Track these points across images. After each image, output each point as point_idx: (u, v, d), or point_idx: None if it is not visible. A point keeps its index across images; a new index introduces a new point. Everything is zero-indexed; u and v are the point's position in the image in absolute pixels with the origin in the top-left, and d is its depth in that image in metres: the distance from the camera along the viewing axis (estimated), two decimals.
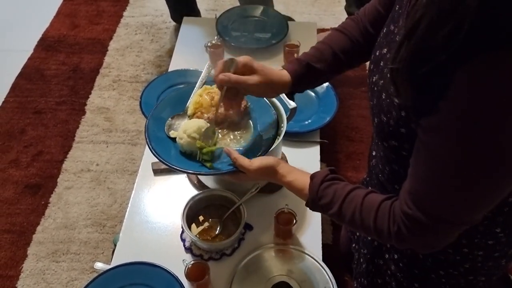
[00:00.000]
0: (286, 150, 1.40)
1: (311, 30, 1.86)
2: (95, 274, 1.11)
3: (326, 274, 1.12)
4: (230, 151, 0.95)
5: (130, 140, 2.07)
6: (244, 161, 0.93)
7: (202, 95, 1.09)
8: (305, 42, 1.69)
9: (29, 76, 2.39)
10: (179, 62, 1.72)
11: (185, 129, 1.01)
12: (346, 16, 2.37)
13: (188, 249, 1.19)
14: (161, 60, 2.44)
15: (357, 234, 1.24)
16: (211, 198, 1.23)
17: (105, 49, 2.53)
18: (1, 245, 1.70)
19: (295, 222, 1.15)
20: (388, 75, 0.70)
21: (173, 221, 1.25)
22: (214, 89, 1.08)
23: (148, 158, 1.40)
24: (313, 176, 0.88)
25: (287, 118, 1.22)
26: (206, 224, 1.21)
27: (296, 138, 1.44)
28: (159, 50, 2.50)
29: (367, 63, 0.93)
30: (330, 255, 1.17)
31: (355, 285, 1.19)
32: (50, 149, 2.04)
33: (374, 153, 1.01)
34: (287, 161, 1.37)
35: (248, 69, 0.93)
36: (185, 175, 1.35)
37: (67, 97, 2.28)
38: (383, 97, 0.80)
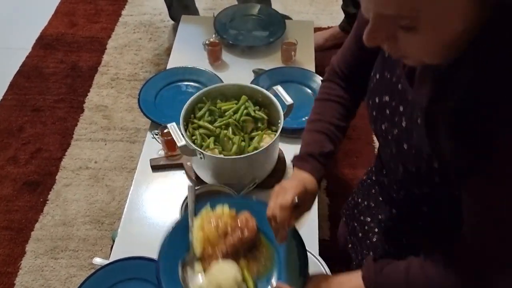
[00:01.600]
0: (284, 147, 1.41)
1: (308, 28, 1.87)
2: (94, 271, 1.12)
3: (323, 268, 1.13)
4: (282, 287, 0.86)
5: (129, 137, 2.08)
6: None
7: (203, 227, 0.91)
8: (302, 41, 1.71)
9: (27, 74, 2.40)
10: (177, 60, 1.73)
11: (218, 284, 0.86)
12: (343, 15, 2.38)
13: None
14: (159, 59, 2.45)
15: (355, 238, 1.20)
16: (208, 193, 1.24)
17: (103, 47, 2.54)
18: (0, 242, 1.70)
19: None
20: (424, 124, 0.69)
21: (172, 217, 1.25)
22: (214, 213, 0.94)
23: (147, 154, 1.41)
24: (363, 275, 0.84)
25: (284, 114, 1.23)
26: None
27: (294, 134, 1.45)
28: (157, 48, 2.51)
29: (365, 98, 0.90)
30: (327, 250, 1.18)
31: None
32: (49, 147, 2.04)
33: (385, 172, 0.97)
34: (285, 159, 1.37)
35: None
36: (183, 171, 1.36)
37: (66, 95, 2.29)
38: (405, 147, 0.77)
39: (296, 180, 0.89)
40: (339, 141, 0.96)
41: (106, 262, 1.14)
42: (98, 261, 1.16)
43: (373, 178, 1.10)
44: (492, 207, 0.66)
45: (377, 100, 0.83)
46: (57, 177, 1.92)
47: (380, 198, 1.03)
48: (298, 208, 0.88)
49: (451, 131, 0.66)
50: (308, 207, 0.92)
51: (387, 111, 0.81)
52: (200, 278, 0.89)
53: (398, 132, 0.79)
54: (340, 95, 0.97)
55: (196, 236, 0.91)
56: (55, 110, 2.22)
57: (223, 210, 0.95)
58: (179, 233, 0.93)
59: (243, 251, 0.91)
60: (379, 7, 0.57)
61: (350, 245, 1.22)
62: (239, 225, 0.90)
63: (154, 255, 1.13)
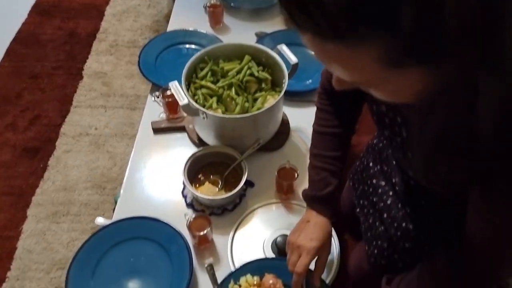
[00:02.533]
0: (287, 110, 1.38)
1: None
2: (96, 230, 1.11)
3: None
4: None
5: (129, 104, 2.05)
6: None
7: None
8: None
9: (24, 40, 2.35)
10: (177, 22, 1.69)
11: None
12: None
13: (190, 205, 1.19)
14: (158, 25, 2.40)
15: (365, 202, 1.20)
16: (212, 155, 1.23)
17: (101, 14, 2.48)
18: (0, 207, 1.70)
19: (297, 176, 1.15)
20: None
21: (174, 178, 1.24)
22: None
23: (148, 117, 1.39)
24: None
25: (288, 74, 1.20)
26: (208, 180, 1.20)
27: (298, 97, 1.42)
28: (157, 15, 2.46)
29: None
30: None
31: (368, 248, 1.15)
32: (48, 113, 2.02)
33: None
34: (288, 122, 1.35)
35: None
36: (185, 133, 1.34)
37: (64, 61, 2.25)
38: (409, 155, 0.78)
39: (313, 228, 0.95)
40: (341, 171, 1.00)
41: (109, 222, 1.13)
42: (101, 221, 1.15)
43: (384, 142, 1.08)
44: (490, 220, 0.66)
45: (375, 108, 0.83)
46: (57, 143, 1.90)
47: (394, 162, 1.01)
48: (321, 257, 0.96)
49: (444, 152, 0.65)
50: (328, 253, 0.98)
51: (386, 120, 0.80)
52: None
53: (401, 140, 0.79)
54: (332, 124, 0.99)
55: None
56: (54, 77, 2.18)
57: (247, 280, 0.98)
58: None
59: None
60: (335, 71, 0.56)
61: (358, 209, 1.20)
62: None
63: (157, 216, 1.13)
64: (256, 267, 0.99)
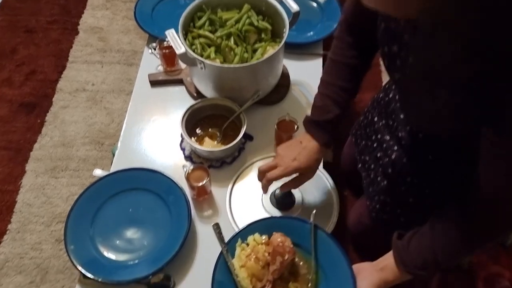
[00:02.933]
0: (288, 63, 1.35)
1: None
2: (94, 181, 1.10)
3: (327, 181, 1.12)
4: None
5: (126, 60, 2.01)
6: None
7: (245, 265, 0.92)
8: None
9: None
10: None
11: None
12: None
13: (188, 158, 1.18)
14: None
15: (367, 157, 1.19)
16: (210, 107, 1.20)
17: None
18: None
19: (297, 129, 1.13)
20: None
21: (172, 131, 1.22)
22: (250, 248, 0.94)
23: (145, 70, 1.36)
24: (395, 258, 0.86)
25: (289, 23, 1.16)
26: (206, 134, 1.19)
27: (299, 50, 1.39)
28: None
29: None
30: (330, 172, 1.16)
31: (370, 203, 1.16)
32: (44, 69, 1.98)
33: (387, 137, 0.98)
34: (289, 75, 1.32)
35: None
36: (183, 86, 1.32)
37: (59, 16, 2.18)
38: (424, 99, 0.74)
39: (302, 149, 0.96)
40: (346, 103, 0.98)
41: (107, 173, 1.12)
42: (99, 172, 1.14)
43: (390, 95, 1.05)
44: (503, 159, 0.65)
45: (386, 49, 0.80)
46: (53, 99, 1.87)
47: (401, 116, 0.99)
48: (299, 177, 0.97)
49: (458, 85, 0.63)
50: (308, 178, 0.99)
51: (398, 62, 0.77)
52: None
53: (414, 87, 0.76)
54: (349, 54, 0.96)
55: (242, 276, 0.91)
56: (49, 31, 2.12)
57: (255, 239, 0.95)
58: (223, 277, 0.92)
59: (286, 272, 0.93)
60: None
61: (360, 165, 1.20)
62: (278, 250, 0.90)
63: (155, 168, 1.12)
64: (264, 226, 0.96)
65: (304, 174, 0.98)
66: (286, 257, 0.89)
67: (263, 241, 0.94)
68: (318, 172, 1.12)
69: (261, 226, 0.96)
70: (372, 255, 0.91)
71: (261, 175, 0.99)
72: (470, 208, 0.77)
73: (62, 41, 2.08)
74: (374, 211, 1.14)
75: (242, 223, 1.04)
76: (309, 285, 0.92)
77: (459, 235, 0.78)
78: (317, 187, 1.12)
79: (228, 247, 0.94)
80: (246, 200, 1.10)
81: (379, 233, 1.18)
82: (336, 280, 0.90)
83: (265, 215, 1.06)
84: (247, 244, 0.95)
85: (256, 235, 0.95)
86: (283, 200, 1.08)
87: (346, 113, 0.98)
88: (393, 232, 0.92)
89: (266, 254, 0.91)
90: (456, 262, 0.83)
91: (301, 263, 0.94)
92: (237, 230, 0.98)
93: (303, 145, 0.97)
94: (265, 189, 1.00)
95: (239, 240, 0.95)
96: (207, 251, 1.03)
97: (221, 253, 0.93)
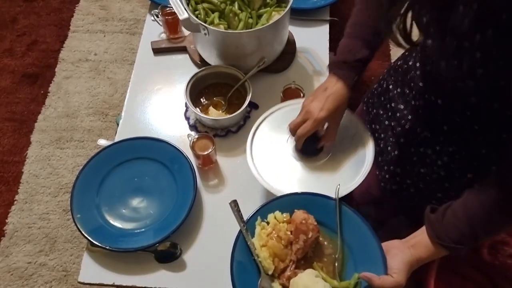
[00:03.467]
0: (294, 30, 1.31)
1: None
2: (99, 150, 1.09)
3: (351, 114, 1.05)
4: (368, 276, 0.80)
5: (128, 29, 1.97)
6: (387, 280, 0.80)
7: (266, 244, 0.85)
8: None
9: None
10: None
11: None
12: None
13: (193, 127, 1.16)
14: None
15: (377, 126, 1.15)
16: (215, 75, 1.18)
17: None
18: (4, 133, 1.69)
19: (303, 96, 1.11)
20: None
21: (177, 100, 1.21)
22: (270, 226, 0.87)
23: (148, 37, 1.33)
24: (428, 234, 0.81)
25: None
26: (211, 102, 1.17)
27: (305, 16, 1.35)
28: None
29: None
30: None
31: (379, 173, 1.12)
32: (45, 39, 1.95)
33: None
34: (295, 42, 1.28)
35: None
36: (186, 54, 1.29)
37: None
38: (447, 39, 0.70)
39: (327, 98, 0.92)
40: (377, 46, 0.94)
41: (111, 142, 1.11)
42: (103, 142, 1.14)
43: (410, 63, 1.01)
44: None
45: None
46: (56, 69, 1.85)
47: (420, 84, 0.95)
48: (330, 126, 0.95)
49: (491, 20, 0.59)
50: (337, 123, 0.97)
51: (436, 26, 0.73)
52: None
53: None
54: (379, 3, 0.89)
55: (263, 256, 0.84)
56: (49, 0, 2.08)
57: (276, 217, 0.88)
58: (243, 257, 0.85)
59: (310, 251, 0.87)
60: None
61: (370, 133, 1.18)
62: (301, 228, 0.84)
63: (160, 136, 1.11)
64: (285, 203, 0.90)
65: (335, 120, 0.95)
66: (310, 235, 0.84)
67: (285, 219, 0.88)
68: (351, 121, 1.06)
69: (281, 204, 0.90)
70: (377, 227, 0.89)
71: (292, 133, 0.96)
72: (504, 179, 0.74)
73: (63, 10, 2.05)
74: (383, 181, 1.12)
75: (264, 170, 0.97)
76: (336, 265, 0.85)
77: (496, 207, 0.75)
78: (350, 139, 1.04)
79: (248, 226, 0.87)
80: (269, 143, 1.02)
81: (387, 204, 1.17)
82: (365, 259, 0.84)
83: (290, 162, 0.99)
84: (268, 223, 0.88)
85: (277, 213, 0.88)
86: (307, 147, 0.98)
87: (373, 57, 0.95)
88: (402, 204, 0.90)
89: (289, 233, 0.85)
90: (495, 234, 0.78)
91: (325, 242, 0.88)
92: (256, 206, 0.90)
93: (328, 92, 0.94)
94: (299, 145, 0.97)
95: (259, 219, 0.88)
96: (213, 219, 1.03)
97: (240, 232, 0.86)
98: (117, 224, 1.01)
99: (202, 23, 1.05)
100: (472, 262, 1.11)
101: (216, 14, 1.12)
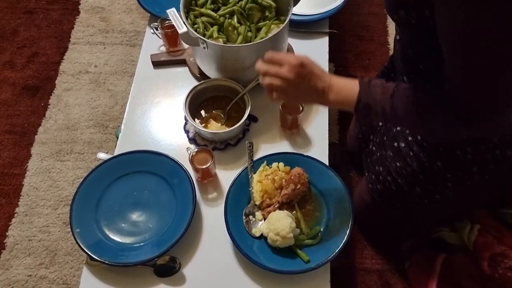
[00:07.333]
0: (294, 42, 1.32)
1: None
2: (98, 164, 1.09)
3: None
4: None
5: (128, 41, 1.98)
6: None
7: (262, 181, 1.04)
8: None
9: None
10: None
11: (276, 230, 0.96)
12: None
13: (192, 140, 1.16)
14: None
15: (364, 127, 1.21)
16: (214, 88, 1.19)
17: None
18: (4, 145, 1.69)
19: (302, 110, 1.11)
20: None
21: (176, 113, 1.21)
22: (270, 170, 1.06)
23: (147, 50, 1.33)
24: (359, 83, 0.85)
25: (294, 0, 1.13)
26: (210, 115, 1.17)
27: (304, 28, 1.35)
28: None
29: None
30: (336, 153, 1.15)
31: (367, 174, 1.18)
32: (46, 51, 1.95)
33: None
34: (294, 53, 1.29)
35: None
36: (186, 67, 1.29)
37: None
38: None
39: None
40: None
41: (110, 156, 1.11)
42: (102, 155, 1.14)
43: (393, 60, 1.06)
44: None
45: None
46: (56, 81, 1.86)
47: (403, 77, 1.00)
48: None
49: None
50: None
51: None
52: (260, 224, 1.02)
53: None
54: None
55: (256, 189, 1.04)
56: (49, 12, 2.09)
57: (278, 166, 1.07)
58: (241, 188, 1.05)
59: (296, 202, 1.04)
60: None
61: (360, 135, 1.22)
62: (293, 179, 1.02)
63: (159, 150, 1.11)
64: (289, 159, 1.08)
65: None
66: (298, 186, 1.01)
67: (284, 169, 1.06)
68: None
69: (287, 158, 1.08)
70: (373, 233, 0.90)
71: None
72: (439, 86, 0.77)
73: (63, 22, 2.05)
74: (370, 183, 1.16)
75: None
76: (311, 218, 1.03)
77: (426, 94, 0.78)
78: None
79: (255, 165, 1.07)
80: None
81: (378, 210, 1.19)
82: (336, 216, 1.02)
83: None
84: (270, 167, 1.07)
85: (281, 164, 1.06)
86: None
87: None
88: (389, 206, 0.93)
89: (283, 180, 1.03)
90: (411, 122, 0.82)
91: (310, 200, 1.05)
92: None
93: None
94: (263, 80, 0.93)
95: (265, 163, 1.07)
96: (212, 233, 1.02)
97: (246, 167, 1.06)
98: (116, 238, 1.00)
99: (201, 37, 1.06)
100: (472, 274, 1.11)
101: (215, 27, 1.13)
